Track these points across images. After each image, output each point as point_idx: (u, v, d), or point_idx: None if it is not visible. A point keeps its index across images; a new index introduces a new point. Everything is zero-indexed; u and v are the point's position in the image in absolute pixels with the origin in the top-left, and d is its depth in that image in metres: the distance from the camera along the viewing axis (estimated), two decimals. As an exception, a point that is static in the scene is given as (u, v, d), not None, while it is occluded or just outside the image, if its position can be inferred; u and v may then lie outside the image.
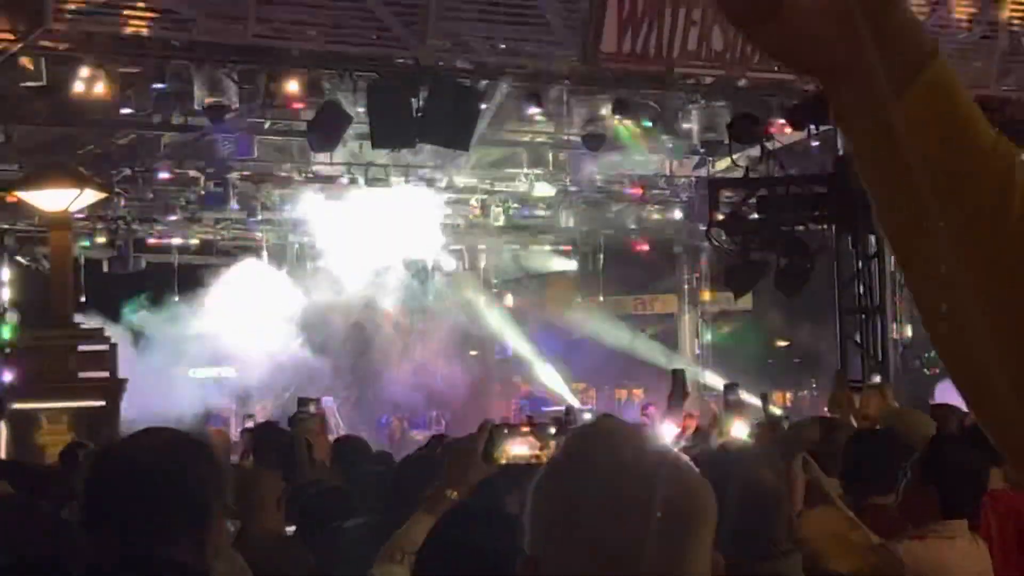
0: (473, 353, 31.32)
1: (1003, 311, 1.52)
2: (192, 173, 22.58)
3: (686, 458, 2.14)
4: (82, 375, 14.90)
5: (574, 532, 2.03)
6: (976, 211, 1.51)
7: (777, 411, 21.81)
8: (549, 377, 30.13)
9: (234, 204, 23.28)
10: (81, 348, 15.10)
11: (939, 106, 1.50)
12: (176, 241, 26.29)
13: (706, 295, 29.89)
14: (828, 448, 6.73)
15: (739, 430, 12.68)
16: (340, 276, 26.92)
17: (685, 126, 19.73)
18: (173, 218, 24.34)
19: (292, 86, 17.15)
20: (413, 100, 17.16)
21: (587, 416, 21.26)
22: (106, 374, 14.95)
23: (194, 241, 26.67)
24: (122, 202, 22.96)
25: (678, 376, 11.14)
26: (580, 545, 2.02)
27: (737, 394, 14.13)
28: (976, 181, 1.51)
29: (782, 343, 31.65)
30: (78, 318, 17.10)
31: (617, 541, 2.01)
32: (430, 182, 23.84)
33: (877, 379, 14.86)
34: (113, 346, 15.26)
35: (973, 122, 1.52)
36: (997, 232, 1.51)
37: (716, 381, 26.94)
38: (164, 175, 22.47)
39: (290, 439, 10.22)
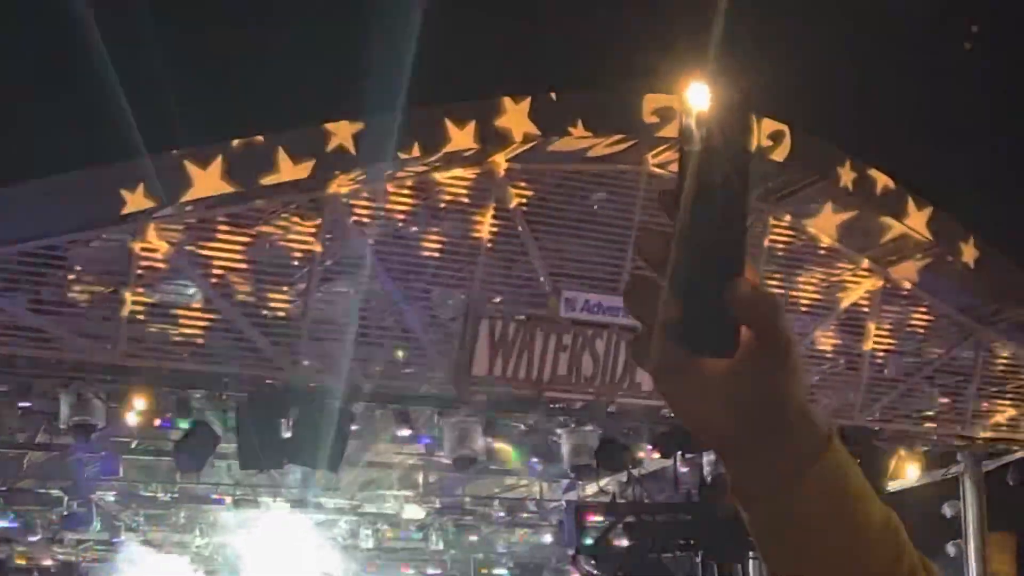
0: None
1: None
2: (55, 492, 22.19)
3: None
4: None
5: None
6: None
7: None
8: None
9: (97, 524, 22.85)
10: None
11: (832, 493, 1.52)
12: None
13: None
14: None
15: None
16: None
17: (555, 450, 19.80)
18: (34, 539, 23.79)
19: (160, 405, 17.02)
20: (283, 420, 17.09)
21: None
22: None
23: (54, 561, 26.06)
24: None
25: None
26: None
27: None
28: (866, 560, 1.53)
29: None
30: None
31: None
32: (299, 503, 23.61)
33: None
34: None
35: (865, 502, 1.54)
36: None
37: None
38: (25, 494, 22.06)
39: None
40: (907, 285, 19.34)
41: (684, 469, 18.82)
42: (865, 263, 19.05)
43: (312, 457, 17.83)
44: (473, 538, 26.35)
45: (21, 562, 25.73)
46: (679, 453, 17.49)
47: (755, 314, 1.46)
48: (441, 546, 26.35)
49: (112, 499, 22.95)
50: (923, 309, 19.67)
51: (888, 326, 19.60)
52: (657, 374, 1.48)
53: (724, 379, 1.48)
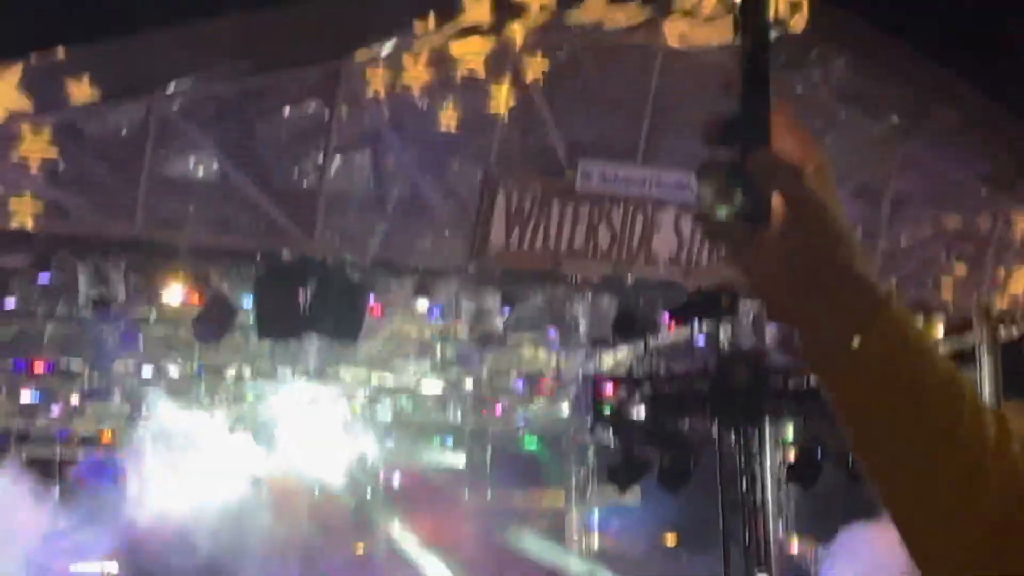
0: (360, 545, 30.90)
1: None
2: (75, 367, 22.32)
3: None
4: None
5: None
6: (932, 439, 1.61)
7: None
8: (437, 572, 29.73)
9: (118, 397, 23.03)
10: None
11: (892, 351, 1.60)
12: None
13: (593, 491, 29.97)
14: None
15: None
16: (227, 467, 26.60)
17: (572, 321, 19.90)
18: (55, 412, 23.98)
19: (179, 279, 17.08)
20: (301, 292, 17.16)
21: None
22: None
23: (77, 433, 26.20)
24: (3, 394, 22.54)
25: None
26: None
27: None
28: (929, 416, 1.60)
29: (670, 541, 31.52)
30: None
31: None
32: (317, 376, 23.74)
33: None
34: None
35: (926, 360, 1.63)
36: (952, 457, 1.62)
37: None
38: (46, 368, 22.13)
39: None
40: (922, 151, 19.26)
41: (701, 340, 18.89)
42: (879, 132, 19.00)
43: (330, 329, 17.94)
44: (490, 411, 26.50)
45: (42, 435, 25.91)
46: (696, 323, 17.54)
47: (776, 182, 1.54)
48: (459, 418, 26.51)
49: (132, 372, 23.07)
50: (941, 175, 19.59)
51: (903, 193, 19.55)
52: (726, 250, 1.58)
53: (775, 248, 1.57)
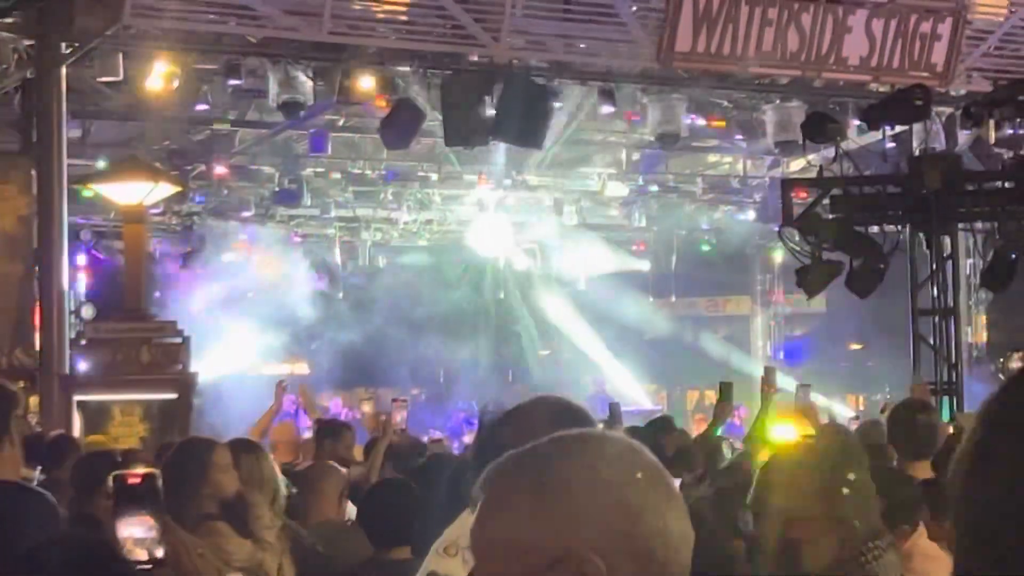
0: (544, 352, 31.23)
1: None
2: (266, 170, 22.63)
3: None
4: (154, 368, 14.92)
5: None
6: None
7: (850, 413, 21.70)
8: (620, 378, 29.95)
9: (307, 201, 23.26)
10: (154, 341, 15.12)
11: None
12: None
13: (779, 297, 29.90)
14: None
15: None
16: (411, 273, 26.98)
17: (759, 126, 19.67)
18: (247, 214, 24.35)
19: (366, 83, 17.17)
20: (487, 98, 17.17)
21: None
22: (179, 367, 14.98)
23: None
24: (196, 198, 22.94)
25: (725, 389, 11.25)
26: None
27: (807, 394, 13.88)
28: None
29: (855, 347, 31.41)
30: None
31: None
32: (503, 181, 23.80)
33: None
34: (186, 339, 15.27)
35: None
36: None
37: (788, 384, 26.71)
38: (238, 171, 22.44)
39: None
40: None
41: (891, 144, 18.54)
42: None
43: (516, 134, 17.93)
44: (677, 215, 26.38)
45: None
46: (887, 126, 17.19)
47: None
48: (644, 223, 26.47)
49: (321, 176, 23.32)
50: None
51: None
52: None
53: None
